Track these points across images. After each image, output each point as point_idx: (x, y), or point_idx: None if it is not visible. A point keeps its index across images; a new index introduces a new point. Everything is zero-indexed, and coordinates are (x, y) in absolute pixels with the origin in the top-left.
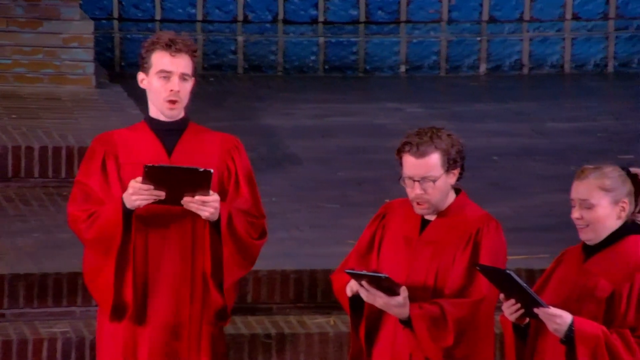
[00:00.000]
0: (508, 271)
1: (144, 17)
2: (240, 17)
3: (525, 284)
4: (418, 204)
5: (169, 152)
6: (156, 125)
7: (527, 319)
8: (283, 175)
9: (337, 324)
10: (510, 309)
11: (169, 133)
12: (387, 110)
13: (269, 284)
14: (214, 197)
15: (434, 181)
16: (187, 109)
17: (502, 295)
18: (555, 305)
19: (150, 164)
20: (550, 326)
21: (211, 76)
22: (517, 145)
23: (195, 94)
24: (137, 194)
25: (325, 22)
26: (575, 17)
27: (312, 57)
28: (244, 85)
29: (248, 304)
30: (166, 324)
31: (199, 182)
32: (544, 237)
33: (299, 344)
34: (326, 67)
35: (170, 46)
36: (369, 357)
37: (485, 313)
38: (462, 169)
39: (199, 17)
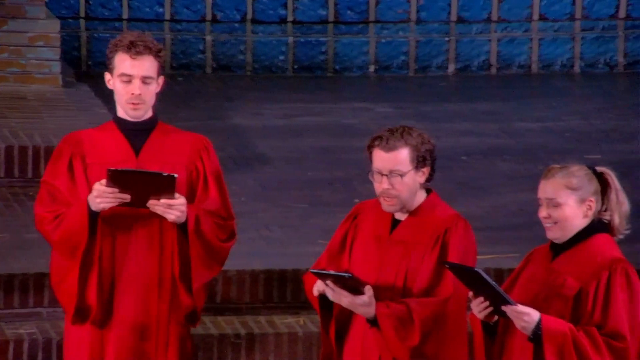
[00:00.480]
0: (476, 269)
1: (111, 16)
2: (209, 17)
3: (493, 282)
4: (385, 199)
5: (137, 152)
6: (124, 125)
7: (496, 317)
8: (252, 175)
9: (306, 323)
10: (479, 307)
11: (137, 133)
12: (356, 110)
13: (239, 284)
14: (180, 201)
15: (401, 176)
16: (155, 108)
17: (471, 293)
18: (523, 304)
19: (114, 168)
20: (518, 324)
21: (179, 75)
22: (486, 145)
23: (163, 93)
24: (101, 196)
25: (294, 22)
26: (543, 18)
27: (281, 57)
28: (213, 84)
29: (217, 304)
30: (133, 325)
31: (163, 186)
32: (512, 236)
33: (268, 344)
34: (295, 66)
35: (131, 48)
36: (339, 357)
37: (453, 311)
38: (433, 170)
39: (167, 16)
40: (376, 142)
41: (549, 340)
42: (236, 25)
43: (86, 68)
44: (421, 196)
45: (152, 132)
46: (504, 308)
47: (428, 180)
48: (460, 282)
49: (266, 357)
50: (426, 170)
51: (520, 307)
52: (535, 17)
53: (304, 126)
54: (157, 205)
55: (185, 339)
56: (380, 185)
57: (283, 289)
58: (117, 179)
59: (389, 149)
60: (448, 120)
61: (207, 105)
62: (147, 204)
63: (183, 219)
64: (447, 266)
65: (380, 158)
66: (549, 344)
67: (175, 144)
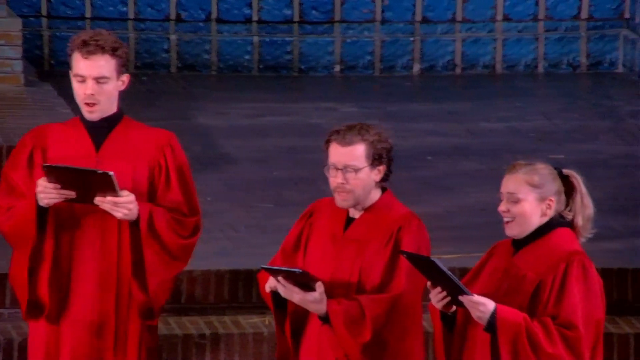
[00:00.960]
0: (432, 258)
1: (73, 14)
2: (173, 16)
3: (449, 272)
4: (339, 194)
5: (97, 148)
6: (88, 121)
7: (454, 307)
8: (218, 175)
9: (271, 323)
10: (436, 297)
11: (100, 129)
12: (321, 110)
13: (204, 284)
14: (126, 199)
15: (356, 171)
16: (120, 105)
17: (428, 283)
18: (485, 297)
19: (48, 164)
20: (474, 314)
21: (144, 75)
22: (451, 144)
23: (127, 92)
24: (44, 192)
25: (259, 22)
26: (506, 19)
27: (247, 57)
28: (178, 84)
29: (182, 304)
30: (89, 322)
31: (102, 183)
32: (477, 235)
33: (234, 344)
34: (261, 66)
35: (83, 48)
36: (296, 356)
37: (406, 307)
38: (389, 169)
39: (131, 15)
40: (333, 137)
41: (503, 329)
42: (201, 24)
43: (49, 67)
44: (376, 194)
45: (115, 128)
46: (460, 298)
47: (384, 179)
48: (414, 277)
49: (231, 357)
50: (382, 168)
51: (476, 297)
52: (499, 17)
53: (270, 126)
54: (104, 202)
55: (146, 336)
56: (335, 179)
57: (248, 289)
58: (53, 174)
59: (346, 143)
60: (413, 120)
61: (171, 105)
62: (94, 201)
63: (133, 217)
64: (404, 255)
65: (336, 152)
66: (502, 334)
67: (138, 140)
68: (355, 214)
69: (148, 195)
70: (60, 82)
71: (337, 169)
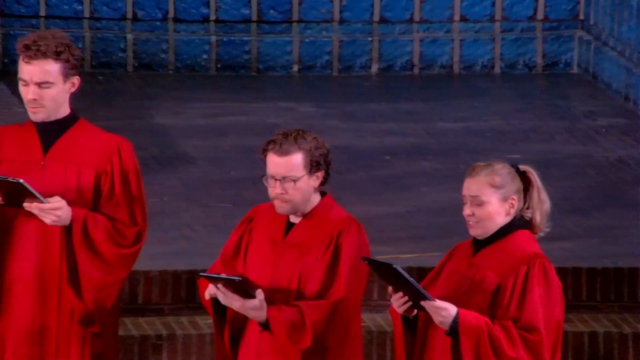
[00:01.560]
0: (394, 265)
1: (27, 13)
2: (130, 15)
3: (411, 278)
4: (277, 202)
5: (45, 151)
6: (40, 124)
7: (415, 311)
8: (175, 175)
9: None
10: (398, 302)
11: (52, 131)
12: (280, 110)
13: (161, 285)
14: (52, 205)
15: (295, 181)
16: (72, 106)
17: (390, 288)
18: (444, 298)
19: None
20: (436, 319)
21: (100, 74)
22: (409, 144)
23: (83, 92)
24: None
25: (217, 21)
26: (464, 19)
27: (204, 56)
28: (134, 83)
29: (139, 304)
30: (30, 328)
31: (18, 190)
32: (435, 235)
33: (191, 345)
34: (218, 65)
35: (24, 52)
36: None
37: (346, 313)
38: (327, 173)
39: (86, 13)
40: (270, 147)
41: (465, 334)
42: (158, 23)
43: (2, 66)
44: (315, 199)
45: (67, 131)
46: (422, 303)
47: (322, 183)
48: (354, 283)
49: (188, 358)
50: (320, 174)
51: (438, 302)
52: (457, 18)
53: (228, 126)
54: (31, 208)
55: (91, 342)
56: (274, 190)
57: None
58: None
59: (283, 153)
60: (371, 120)
61: (128, 105)
62: (24, 206)
63: (64, 223)
64: (365, 262)
65: (274, 163)
66: (465, 338)
67: (88, 145)
68: (295, 219)
69: (93, 202)
70: (14, 82)
71: (275, 179)
